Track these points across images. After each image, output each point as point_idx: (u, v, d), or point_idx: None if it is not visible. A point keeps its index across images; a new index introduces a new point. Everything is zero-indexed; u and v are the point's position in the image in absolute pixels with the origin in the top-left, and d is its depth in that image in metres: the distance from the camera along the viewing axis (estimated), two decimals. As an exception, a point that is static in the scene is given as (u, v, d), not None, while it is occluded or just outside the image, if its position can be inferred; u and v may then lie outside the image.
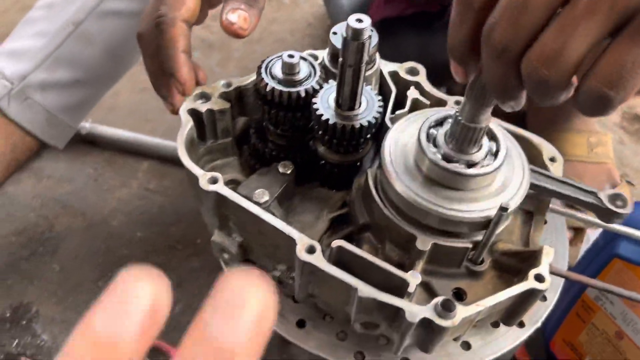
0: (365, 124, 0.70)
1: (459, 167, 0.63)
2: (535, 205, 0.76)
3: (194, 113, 0.79)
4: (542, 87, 0.40)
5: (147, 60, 0.80)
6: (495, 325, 0.73)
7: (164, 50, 0.75)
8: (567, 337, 1.03)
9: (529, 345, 1.12)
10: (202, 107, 0.79)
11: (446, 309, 0.59)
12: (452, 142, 0.64)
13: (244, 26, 0.73)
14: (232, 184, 0.84)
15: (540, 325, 0.78)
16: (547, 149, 0.77)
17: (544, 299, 0.78)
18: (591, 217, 0.81)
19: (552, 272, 0.70)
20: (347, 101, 0.70)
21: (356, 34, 0.62)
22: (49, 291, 1.14)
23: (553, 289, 0.80)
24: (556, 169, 0.75)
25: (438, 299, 0.59)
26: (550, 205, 0.80)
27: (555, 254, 0.83)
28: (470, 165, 0.64)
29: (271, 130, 0.81)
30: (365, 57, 0.65)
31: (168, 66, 0.76)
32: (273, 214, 0.75)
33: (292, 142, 0.81)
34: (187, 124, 0.77)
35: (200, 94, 0.80)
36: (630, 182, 1.47)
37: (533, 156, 0.79)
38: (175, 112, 0.77)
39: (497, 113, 0.60)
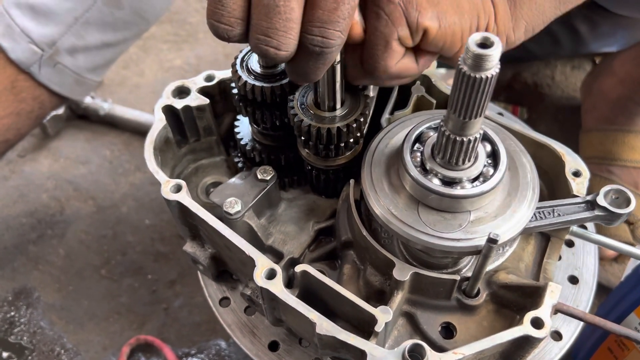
0: (344, 128, 0.61)
1: (444, 187, 0.53)
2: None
3: (169, 110, 0.72)
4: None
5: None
6: (494, 364, 0.63)
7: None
8: (597, 371, 0.91)
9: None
10: (179, 103, 0.71)
11: (415, 356, 0.50)
12: (439, 156, 0.54)
13: None
14: (216, 186, 0.77)
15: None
16: (571, 161, 0.65)
17: (559, 337, 0.67)
18: (626, 246, 0.68)
19: (562, 312, 0.59)
20: (323, 99, 0.60)
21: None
22: (53, 277, 1.13)
23: (573, 323, 0.68)
24: (579, 186, 0.63)
25: (407, 343, 0.50)
26: (575, 229, 0.68)
27: (579, 283, 0.72)
28: (461, 184, 0.53)
29: (253, 129, 0.73)
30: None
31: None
32: (248, 225, 0.68)
33: (276, 142, 0.72)
34: (159, 123, 0.70)
35: (178, 88, 0.72)
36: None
37: (554, 166, 0.67)
38: None
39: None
